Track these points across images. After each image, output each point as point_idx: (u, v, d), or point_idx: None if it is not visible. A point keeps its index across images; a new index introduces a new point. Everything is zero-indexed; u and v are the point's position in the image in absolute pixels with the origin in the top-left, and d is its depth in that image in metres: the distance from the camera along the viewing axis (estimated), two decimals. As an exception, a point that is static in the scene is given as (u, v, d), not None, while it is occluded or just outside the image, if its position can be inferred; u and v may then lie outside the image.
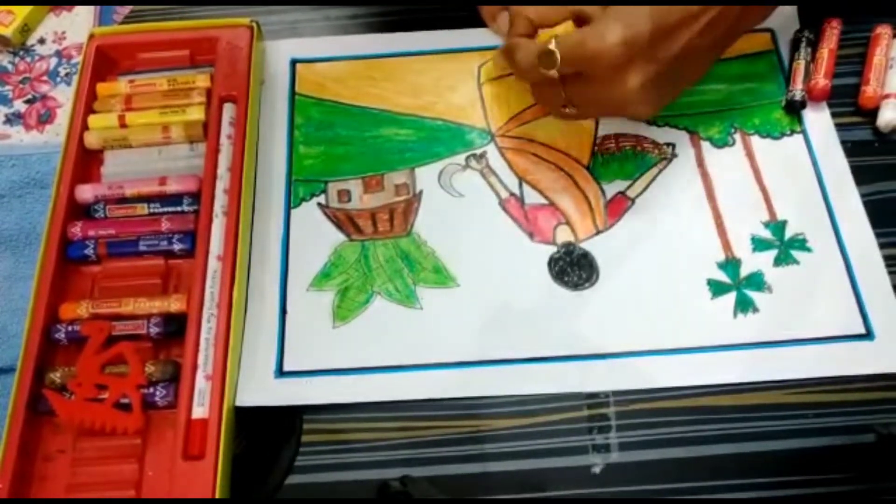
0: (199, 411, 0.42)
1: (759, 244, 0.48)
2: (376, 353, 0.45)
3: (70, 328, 0.45)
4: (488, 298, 0.47)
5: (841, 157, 0.50)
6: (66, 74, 0.60)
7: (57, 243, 0.47)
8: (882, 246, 0.47)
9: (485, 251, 0.48)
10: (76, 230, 0.48)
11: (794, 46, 0.53)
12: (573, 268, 0.48)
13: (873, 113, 0.51)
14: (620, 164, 0.51)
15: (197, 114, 0.51)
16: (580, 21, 0.44)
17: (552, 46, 0.42)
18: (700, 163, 0.51)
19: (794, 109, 0.52)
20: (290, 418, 0.44)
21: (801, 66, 0.52)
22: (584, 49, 0.41)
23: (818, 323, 0.45)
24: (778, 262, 0.47)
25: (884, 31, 0.53)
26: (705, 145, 0.52)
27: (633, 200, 0.50)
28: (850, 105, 0.52)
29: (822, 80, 0.51)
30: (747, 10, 0.44)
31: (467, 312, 0.47)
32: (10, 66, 0.61)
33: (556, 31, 0.47)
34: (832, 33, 0.53)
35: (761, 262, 0.47)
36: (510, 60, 0.47)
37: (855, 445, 0.43)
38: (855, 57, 0.53)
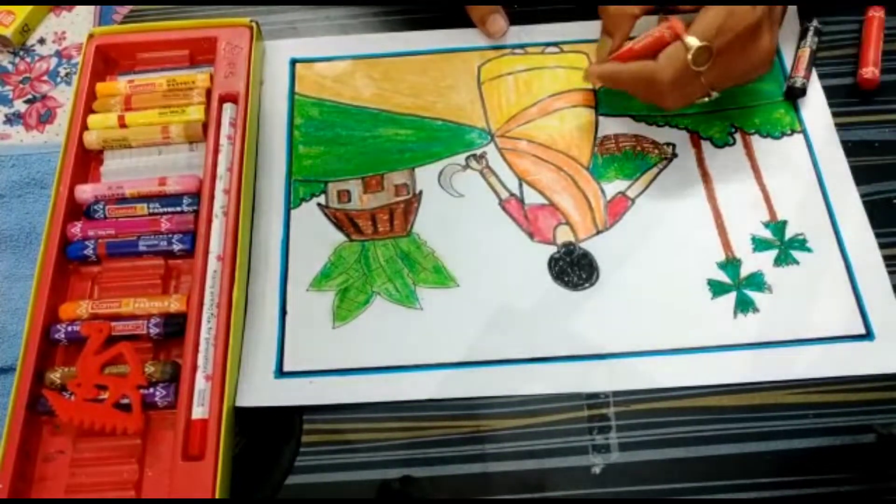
0: (199, 411, 0.42)
1: (759, 244, 0.48)
2: (376, 353, 0.45)
3: (70, 328, 0.45)
4: (488, 298, 0.47)
5: (841, 157, 0.50)
6: (66, 74, 0.60)
7: (57, 243, 0.47)
8: (882, 246, 0.47)
9: (485, 251, 0.48)
10: (76, 230, 0.48)
11: (802, 35, 0.53)
12: (573, 268, 0.48)
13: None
14: (620, 164, 0.51)
15: (197, 114, 0.51)
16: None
17: (698, 42, 0.43)
18: (700, 163, 0.51)
19: (794, 96, 0.52)
20: (290, 418, 0.44)
21: (806, 53, 0.52)
22: (727, 25, 0.43)
23: (818, 323, 0.45)
24: (778, 262, 0.47)
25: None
26: (705, 145, 0.52)
27: (633, 200, 0.50)
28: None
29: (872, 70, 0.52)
30: None
31: (467, 312, 0.46)
32: (10, 67, 0.61)
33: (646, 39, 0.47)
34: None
35: (761, 262, 0.47)
36: (652, 81, 0.46)
37: (855, 445, 0.43)
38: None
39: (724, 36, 0.44)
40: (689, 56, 0.44)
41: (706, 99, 0.47)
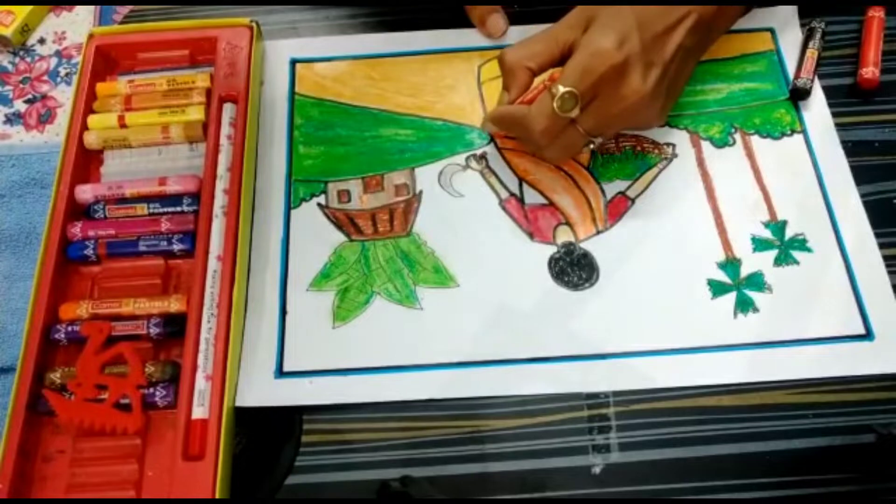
0: (199, 411, 0.42)
1: (759, 244, 0.48)
2: (376, 353, 0.45)
3: (70, 328, 0.45)
4: (488, 298, 0.47)
5: (841, 157, 0.50)
6: (66, 74, 0.60)
7: (57, 243, 0.47)
8: (882, 246, 0.47)
9: (485, 251, 0.48)
10: (76, 230, 0.48)
11: (809, 35, 0.54)
12: (573, 268, 0.48)
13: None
14: (620, 164, 0.51)
15: (197, 114, 0.51)
16: (564, 57, 0.45)
17: (562, 88, 0.42)
18: (700, 163, 0.51)
19: (800, 97, 0.52)
20: (290, 418, 0.44)
21: (815, 54, 0.52)
22: (590, 67, 0.42)
23: (818, 323, 0.45)
24: (778, 262, 0.47)
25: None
26: (705, 145, 0.52)
27: (633, 200, 0.50)
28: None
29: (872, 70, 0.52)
30: (723, 11, 0.47)
31: (467, 312, 0.46)
32: (10, 67, 0.61)
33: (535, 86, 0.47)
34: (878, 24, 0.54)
35: (761, 262, 0.47)
36: (526, 128, 0.45)
37: (855, 446, 0.43)
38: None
39: (589, 78, 0.42)
40: (555, 103, 0.42)
41: (591, 146, 0.47)
